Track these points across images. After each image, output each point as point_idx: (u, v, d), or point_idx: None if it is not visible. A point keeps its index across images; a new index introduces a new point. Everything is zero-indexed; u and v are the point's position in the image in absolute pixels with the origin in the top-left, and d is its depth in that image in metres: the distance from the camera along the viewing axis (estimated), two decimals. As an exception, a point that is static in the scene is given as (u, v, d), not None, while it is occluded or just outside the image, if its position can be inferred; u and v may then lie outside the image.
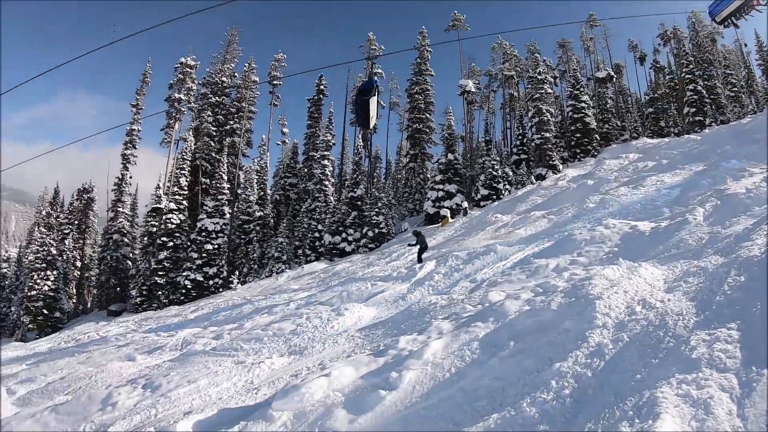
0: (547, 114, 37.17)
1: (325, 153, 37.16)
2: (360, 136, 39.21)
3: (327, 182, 35.58)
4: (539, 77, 39.17)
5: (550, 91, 40.44)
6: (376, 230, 31.54)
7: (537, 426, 3.97)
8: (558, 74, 49.00)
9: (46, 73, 9.13)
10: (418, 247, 18.62)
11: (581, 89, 39.11)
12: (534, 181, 32.93)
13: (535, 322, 6.02)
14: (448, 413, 4.73)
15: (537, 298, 7.51)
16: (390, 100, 50.35)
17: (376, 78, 9.97)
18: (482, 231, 21.94)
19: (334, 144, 40.36)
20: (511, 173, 34.03)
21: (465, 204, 31.21)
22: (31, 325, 34.65)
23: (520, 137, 38.38)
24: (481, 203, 32.05)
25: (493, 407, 4.51)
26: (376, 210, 32.11)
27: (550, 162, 34.70)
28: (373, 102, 9.56)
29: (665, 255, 8.60)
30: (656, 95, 42.75)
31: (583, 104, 38.03)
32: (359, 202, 33.32)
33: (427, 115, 41.83)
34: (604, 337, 5.05)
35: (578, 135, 37.35)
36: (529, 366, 5.02)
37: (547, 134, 36.05)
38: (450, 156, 34.68)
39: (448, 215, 30.12)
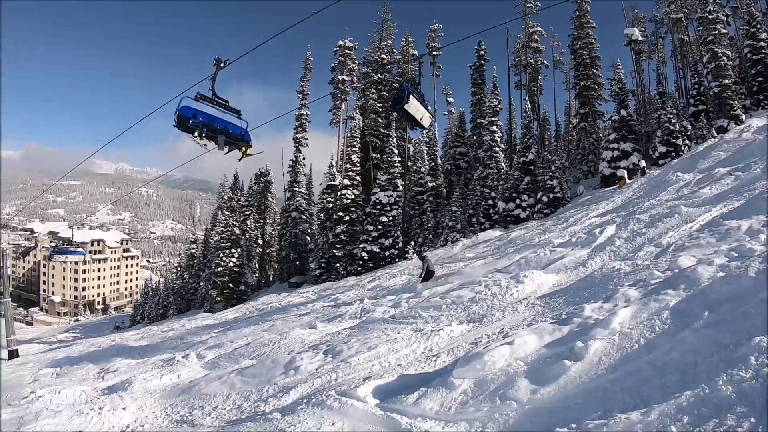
0: (724, 58, 36.28)
1: (493, 119, 39.26)
2: (527, 98, 41.42)
3: (497, 148, 37.86)
4: (710, 17, 38.30)
5: (723, 31, 39.33)
6: (551, 195, 32.91)
7: (733, 407, 3.90)
8: (729, 11, 47.05)
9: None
10: (423, 271, 18.16)
11: (758, 26, 37.16)
12: (715, 134, 32.23)
13: (731, 291, 5.98)
14: (635, 387, 4.84)
15: (732, 263, 7.60)
16: (553, 59, 51.61)
17: (407, 83, 10.89)
18: (663, 191, 21.84)
19: (500, 109, 42.25)
20: (689, 127, 33.68)
21: (642, 163, 31.41)
22: (218, 298, 40.91)
23: (695, 86, 37.60)
24: (659, 161, 32.12)
25: (684, 383, 4.53)
26: (550, 174, 33.38)
27: (732, 112, 33.97)
28: (411, 107, 10.62)
29: None
30: None
31: (762, 43, 36.51)
32: (531, 167, 35.08)
33: (594, 71, 42.64)
34: (811, 309, 4.75)
35: (760, 79, 36.08)
36: (724, 339, 4.98)
37: (726, 81, 35.14)
38: (623, 112, 34.92)
39: (625, 176, 30.34)
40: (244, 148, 11.04)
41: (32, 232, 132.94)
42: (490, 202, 35.99)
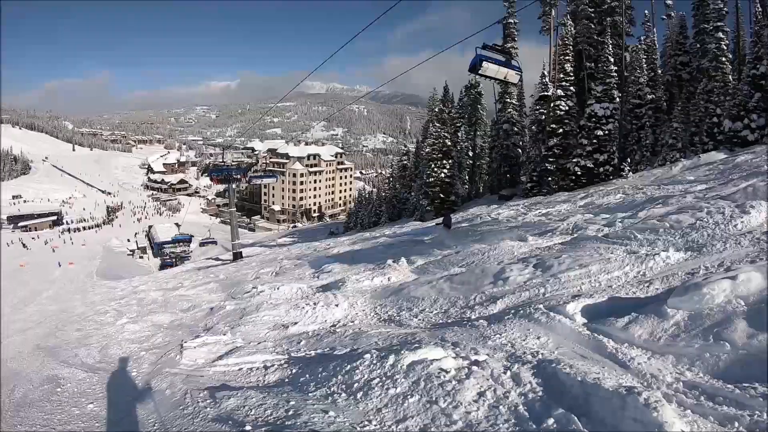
0: None
1: (719, 24, 36.62)
2: (757, 0, 38.67)
3: (723, 58, 35.61)
4: None
5: None
6: (785, 117, 30.40)
7: None
8: None
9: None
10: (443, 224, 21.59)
11: None
12: None
13: None
14: None
15: None
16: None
17: (480, 51, 11.43)
18: None
19: (726, 12, 38.88)
20: None
21: None
22: (428, 207, 45.07)
23: None
24: None
25: None
26: (785, 91, 30.78)
27: None
28: (489, 71, 11.20)
29: None
30: None
31: None
32: (763, 82, 31.92)
33: (830, -37, 36.77)
34: None
35: None
36: None
37: None
38: None
39: None
40: None
41: (253, 150, 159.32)
42: (714, 119, 34.16)
